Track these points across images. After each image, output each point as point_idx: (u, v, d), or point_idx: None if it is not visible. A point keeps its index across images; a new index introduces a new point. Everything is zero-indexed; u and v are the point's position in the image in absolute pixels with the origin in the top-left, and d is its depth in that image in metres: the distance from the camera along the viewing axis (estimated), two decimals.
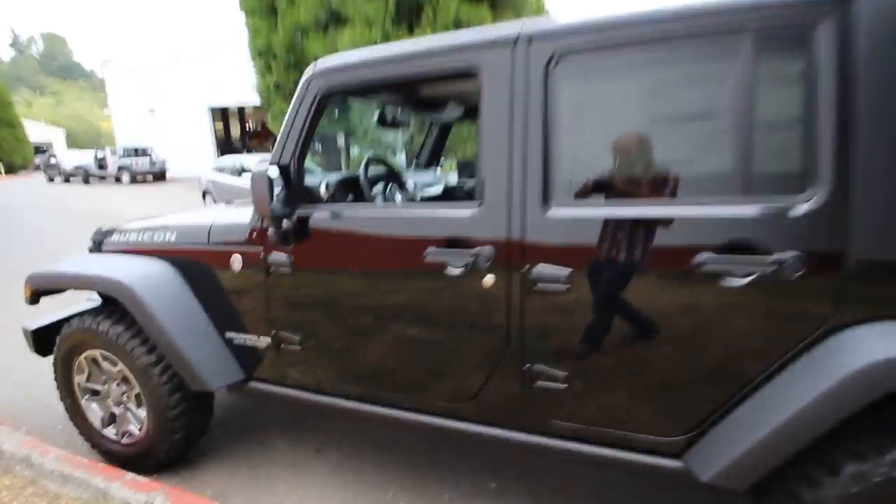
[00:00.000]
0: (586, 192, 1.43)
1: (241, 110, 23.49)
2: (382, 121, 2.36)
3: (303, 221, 1.74)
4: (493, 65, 1.45)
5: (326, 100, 1.70)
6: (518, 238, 1.43)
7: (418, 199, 2.47)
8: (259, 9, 9.80)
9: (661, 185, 1.38)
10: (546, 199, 1.40)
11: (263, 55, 9.95)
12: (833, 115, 1.13)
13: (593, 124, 1.46)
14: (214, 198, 10.40)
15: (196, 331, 1.96)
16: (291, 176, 1.72)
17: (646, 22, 1.28)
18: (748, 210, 1.21)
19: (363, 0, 8.18)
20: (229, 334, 1.98)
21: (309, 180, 1.86)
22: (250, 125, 24.54)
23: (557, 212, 1.39)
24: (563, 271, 1.39)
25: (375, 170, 2.27)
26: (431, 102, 2.47)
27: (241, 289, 1.93)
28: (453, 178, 3.19)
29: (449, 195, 3.00)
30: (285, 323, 1.86)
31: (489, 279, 1.48)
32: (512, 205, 1.43)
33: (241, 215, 1.99)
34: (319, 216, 1.73)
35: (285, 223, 1.74)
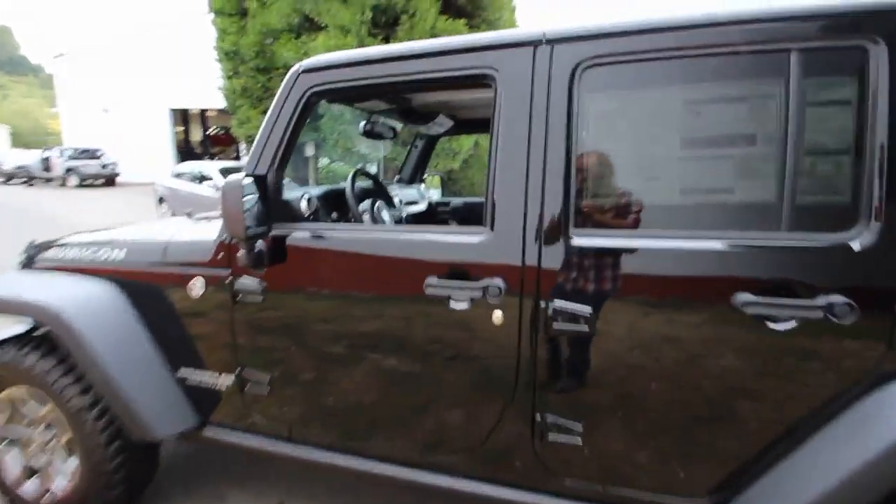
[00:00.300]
0: (614, 217, 1.27)
1: (203, 113, 22.62)
2: (368, 131, 2.14)
3: (279, 242, 1.50)
4: (511, 69, 1.28)
5: (315, 100, 1.48)
6: (534, 269, 1.25)
7: (404, 216, 2.25)
8: (228, 9, 9.44)
9: (694, 213, 1.24)
10: (568, 225, 1.23)
11: (231, 57, 9.57)
12: (887, 143, 1.02)
13: (623, 140, 1.30)
14: (171, 205, 9.82)
15: (143, 367, 1.66)
16: (269, 188, 1.47)
17: (685, 28, 1.15)
18: (791, 246, 1.09)
19: (339, 6, 7.97)
20: (183, 372, 1.69)
21: (287, 194, 1.61)
22: (213, 129, 23.65)
23: (581, 240, 1.23)
24: (585, 308, 1.22)
25: (361, 185, 2.03)
26: (424, 112, 2.28)
27: (200, 318, 1.65)
28: (435, 195, 3.01)
29: (433, 212, 2.82)
30: (253, 359, 1.59)
31: (498, 316, 1.29)
32: (528, 231, 1.25)
33: (204, 231, 1.72)
34: (300, 236, 1.49)
35: (259, 243, 1.49)
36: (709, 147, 1.24)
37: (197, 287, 1.62)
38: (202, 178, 9.33)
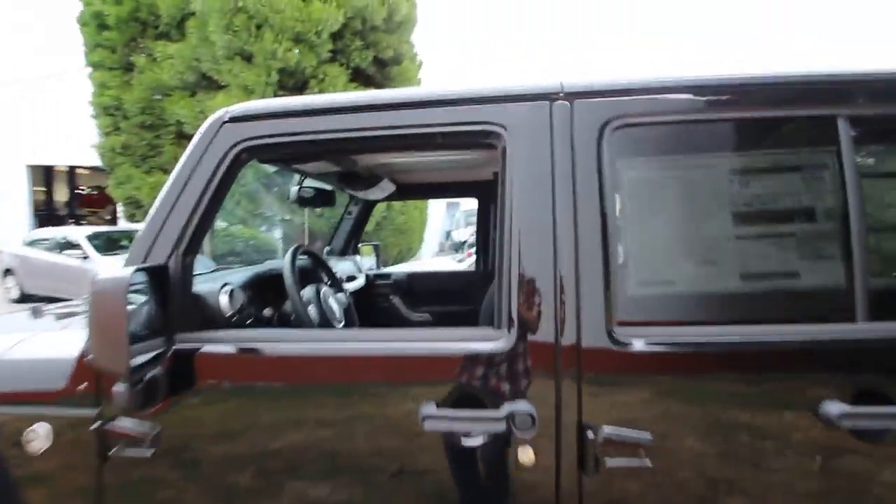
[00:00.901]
0: (670, 310, 1.01)
1: (71, 171, 19.94)
2: (304, 197, 1.72)
3: (185, 361, 1.00)
4: (523, 127, 1.02)
5: (246, 158, 1.06)
6: (574, 384, 0.94)
7: (349, 302, 1.80)
8: (109, 62, 8.54)
9: (753, 302, 1.02)
10: (612, 322, 0.94)
11: (110, 113, 8.55)
12: None
13: (670, 211, 1.06)
14: (20, 280, 8.13)
15: None
16: (172, 283, 0.99)
17: (721, 88, 1.01)
18: (875, 338, 0.93)
19: (242, 66, 7.53)
20: None
21: (198, 286, 1.12)
22: (84, 189, 20.87)
23: (631, 341, 0.94)
24: (644, 435, 0.91)
25: (299, 264, 1.56)
26: (368, 176, 1.92)
27: (42, 489, 1.04)
28: (368, 263, 2.61)
29: (372, 287, 2.42)
30: None
31: (528, 454, 0.93)
32: (561, 330, 0.94)
33: (56, 343, 1.16)
34: (220, 351, 1.01)
35: (150, 367, 0.97)
36: (771, 224, 1.04)
37: (39, 438, 1.02)
38: (65, 246, 7.85)
